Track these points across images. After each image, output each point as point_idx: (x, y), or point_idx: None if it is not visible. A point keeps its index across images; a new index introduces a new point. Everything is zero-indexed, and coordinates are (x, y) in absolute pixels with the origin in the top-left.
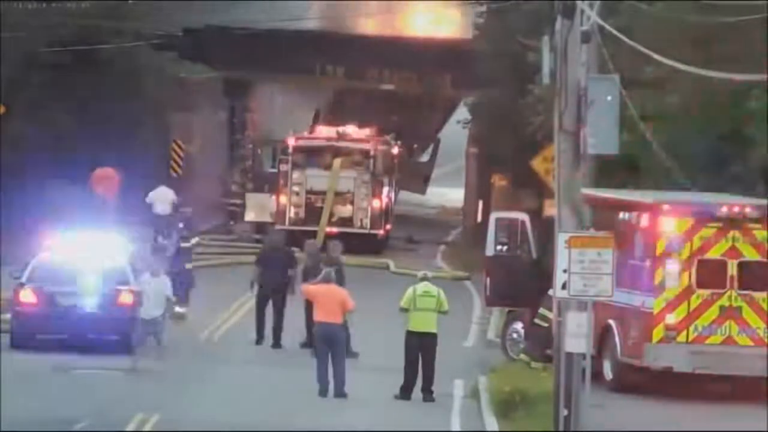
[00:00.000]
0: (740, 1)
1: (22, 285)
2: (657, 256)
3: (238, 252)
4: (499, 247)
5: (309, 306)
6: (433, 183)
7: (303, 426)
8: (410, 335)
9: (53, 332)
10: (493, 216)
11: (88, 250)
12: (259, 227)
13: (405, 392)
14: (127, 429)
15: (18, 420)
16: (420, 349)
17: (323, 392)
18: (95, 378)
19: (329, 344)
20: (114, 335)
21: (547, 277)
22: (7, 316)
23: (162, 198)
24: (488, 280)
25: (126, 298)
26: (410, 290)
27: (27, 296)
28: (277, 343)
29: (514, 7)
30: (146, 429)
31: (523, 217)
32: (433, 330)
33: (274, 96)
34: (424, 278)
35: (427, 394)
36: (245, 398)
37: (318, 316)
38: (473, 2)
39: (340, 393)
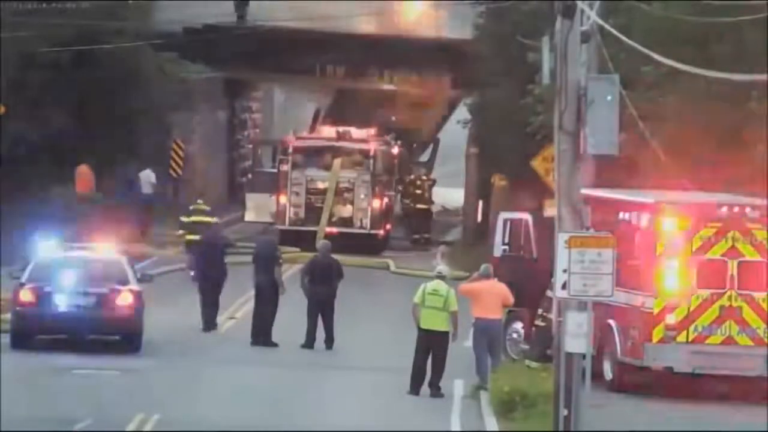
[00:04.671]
0: (740, 1)
1: (22, 285)
2: (657, 256)
3: (238, 252)
4: (503, 248)
5: (312, 309)
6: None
7: (303, 426)
8: (420, 332)
9: (53, 332)
10: (502, 216)
11: (88, 250)
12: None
13: (413, 389)
14: (127, 429)
15: (18, 420)
16: (429, 346)
17: (483, 386)
18: (95, 378)
19: (489, 339)
20: (114, 335)
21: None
22: (7, 316)
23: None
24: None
25: (126, 298)
26: (422, 287)
27: (27, 296)
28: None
29: (514, 7)
30: (146, 429)
31: (526, 217)
32: (442, 328)
33: (274, 96)
34: (439, 276)
35: (435, 389)
36: (245, 398)
37: (477, 311)
38: (473, 2)
39: (483, 386)
